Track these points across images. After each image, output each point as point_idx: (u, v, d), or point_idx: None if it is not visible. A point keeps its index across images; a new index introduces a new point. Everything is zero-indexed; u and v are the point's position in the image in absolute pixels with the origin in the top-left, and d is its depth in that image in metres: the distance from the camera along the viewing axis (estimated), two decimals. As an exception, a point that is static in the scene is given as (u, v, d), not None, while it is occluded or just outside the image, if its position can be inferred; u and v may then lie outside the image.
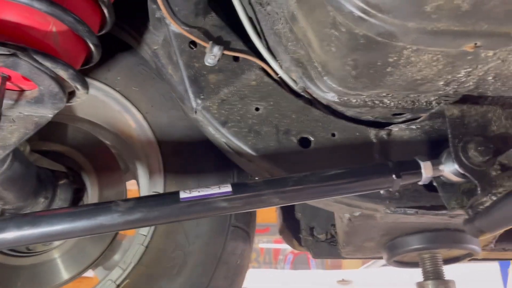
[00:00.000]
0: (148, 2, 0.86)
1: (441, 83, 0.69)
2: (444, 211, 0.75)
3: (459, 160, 0.67)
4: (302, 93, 0.84)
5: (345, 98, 0.77)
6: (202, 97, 0.83)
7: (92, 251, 1.06)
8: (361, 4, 0.56)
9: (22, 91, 0.71)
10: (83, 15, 0.69)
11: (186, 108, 0.86)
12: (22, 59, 0.62)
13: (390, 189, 0.70)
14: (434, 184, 0.76)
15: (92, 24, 0.74)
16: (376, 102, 0.77)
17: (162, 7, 0.81)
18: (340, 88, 0.74)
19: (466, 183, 0.71)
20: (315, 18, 0.66)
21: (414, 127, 0.79)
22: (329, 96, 0.78)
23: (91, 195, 1.06)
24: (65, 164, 1.06)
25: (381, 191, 0.77)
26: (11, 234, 0.61)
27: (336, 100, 0.77)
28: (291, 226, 1.14)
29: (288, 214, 1.15)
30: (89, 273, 1.19)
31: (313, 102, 0.85)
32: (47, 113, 0.72)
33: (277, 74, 0.86)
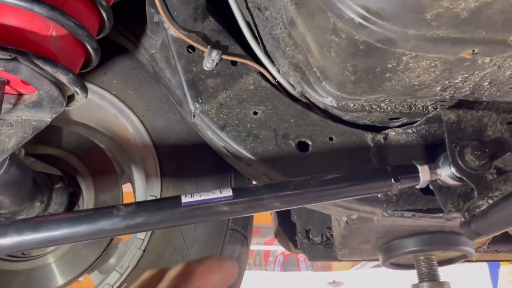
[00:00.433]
0: (147, 6, 0.86)
1: (438, 88, 0.70)
2: (440, 214, 0.76)
3: (456, 164, 0.68)
4: (300, 98, 0.85)
5: (343, 103, 0.78)
6: (200, 101, 0.83)
7: (88, 255, 1.06)
8: (362, 11, 0.57)
9: (20, 95, 0.71)
10: (82, 19, 0.69)
11: (184, 112, 0.86)
12: (23, 63, 0.62)
13: (389, 193, 0.70)
14: (431, 187, 0.77)
15: (91, 28, 0.74)
16: (374, 106, 0.78)
17: (161, 11, 0.81)
18: (339, 93, 0.75)
19: (462, 186, 0.73)
20: (315, 24, 0.67)
21: (410, 131, 0.80)
22: (327, 101, 0.78)
23: (87, 199, 1.06)
24: (60, 168, 1.05)
25: (379, 195, 0.78)
26: (11, 240, 0.61)
27: (334, 104, 0.78)
28: (286, 229, 1.15)
29: (283, 217, 1.16)
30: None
31: (310, 106, 0.86)
32: (45, 117, 0.72)
33: (275, 78, 0.86)
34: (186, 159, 1.00)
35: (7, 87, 0.69)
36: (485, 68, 0.65)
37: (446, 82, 0.68)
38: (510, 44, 0.59)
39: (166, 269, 0.54)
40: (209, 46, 0.84)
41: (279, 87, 0.86)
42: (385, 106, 0.78)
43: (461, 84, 0.69)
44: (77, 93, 0.71)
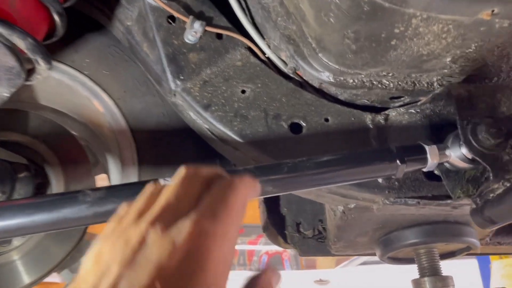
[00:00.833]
0: (121, -29, 0.77)
1: (448, 59, 0.63)
2: (448, 201, 0.69)
3: (468, 144, 0.61)
4: (292, 75, 0.77)
5: (341, 78, 0.70)
6: (182, 78, 0.75)
7: (57, 252, 0.96)
8: (369, -37, 0.50)
9: (-29, 65, 0.61)
10: (45, -22, 0.60)
11: (164, 91, 0.78)
12: (-30, 22, 0.52)
13: (393, 176, 0.63)
14: (436, 172, 0.70)
15: (56, -10, 0.64)
16: (375, 82, 0.71)
17: (137, -24, 0.73)
18: (337, 66, 0.67)
19: (472, 170, 0.66)
20: (312, -15, 0.59)
21: (413, 111, 0.73)
22: (323, 76, 0.71)
23: (56, 190, 0.96)
24: (27, 156, 0.95)
25: (380, 180, 0.71)
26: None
27: (332, 80, 0.70)
28: (276, 223, 1.07)
29: (272, 209, 1.07)
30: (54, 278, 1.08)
31: (303, 85, 0.78)
32: (2, 91, 0.63)
33: (264, 54, 0.78)
34: (166, 145, 0.92)
35: (-46, 55, 0.59)
36: (502, 35, 0.58)
37: (458, 52, 0.61)
38: (533, 4, 0.52)
39: None
40: (191, 17, 0.75)
41: (269, 63, 0.79)
42: (387, 82, 0.71)
43: (474, 55, 0.62)
44: (37, 62, 0.61)
